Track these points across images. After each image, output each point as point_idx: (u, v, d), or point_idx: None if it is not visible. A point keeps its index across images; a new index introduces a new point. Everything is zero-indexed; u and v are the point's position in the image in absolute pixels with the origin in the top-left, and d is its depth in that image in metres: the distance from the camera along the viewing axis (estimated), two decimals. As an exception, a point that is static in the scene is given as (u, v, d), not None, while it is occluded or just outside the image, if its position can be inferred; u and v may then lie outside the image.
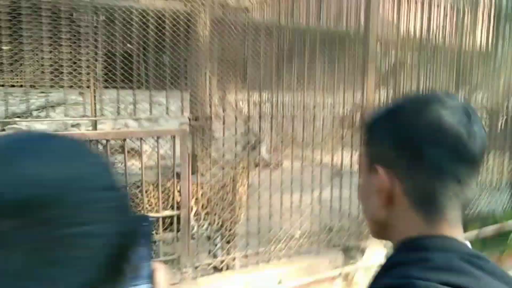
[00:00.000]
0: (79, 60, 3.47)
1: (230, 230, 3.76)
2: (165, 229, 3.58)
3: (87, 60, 3.46)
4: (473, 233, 4.57)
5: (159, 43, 3.62)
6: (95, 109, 3.70)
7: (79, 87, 3.62)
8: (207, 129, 3.60)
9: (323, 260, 4.04)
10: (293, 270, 3.86)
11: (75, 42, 3.38)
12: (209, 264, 3.65)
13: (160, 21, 3.63)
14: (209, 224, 3.77)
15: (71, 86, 3.56)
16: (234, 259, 3.74)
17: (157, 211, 3.49)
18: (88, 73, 3.52)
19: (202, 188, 3.76)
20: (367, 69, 3.99)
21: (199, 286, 3.54)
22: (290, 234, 3.93)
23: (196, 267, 3.56)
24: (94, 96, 3.65)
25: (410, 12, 4.34)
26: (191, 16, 3.53)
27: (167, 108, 3.61)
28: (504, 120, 5.40)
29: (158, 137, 3.43)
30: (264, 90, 3.84)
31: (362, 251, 4.10)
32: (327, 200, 4.07)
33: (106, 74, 3.66)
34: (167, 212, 3.56)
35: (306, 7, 3.82)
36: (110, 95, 3.82)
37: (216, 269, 3.71)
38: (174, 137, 3.45)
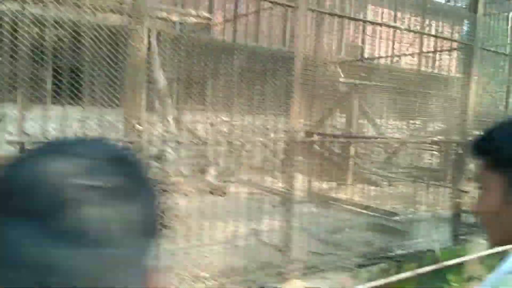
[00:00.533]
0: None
1: None
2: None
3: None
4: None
5: (95, 58, 3.43)
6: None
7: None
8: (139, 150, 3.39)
9: None
10: None
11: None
12: None
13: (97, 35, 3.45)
14: None
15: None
16: None
17: None
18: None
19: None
20: (292, 91, 3.79)
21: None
22: (195, 275, 3.61)
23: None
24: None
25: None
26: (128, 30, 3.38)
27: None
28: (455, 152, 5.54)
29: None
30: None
31: None
32: (263, 231, 3.93)
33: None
34: None
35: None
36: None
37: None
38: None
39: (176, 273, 3.34)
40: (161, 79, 4.82)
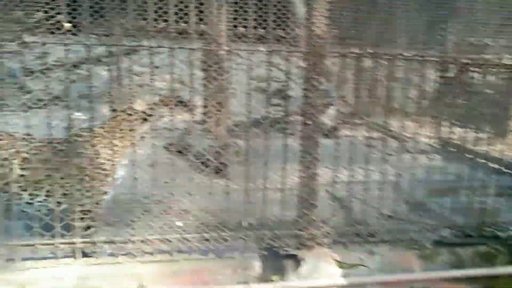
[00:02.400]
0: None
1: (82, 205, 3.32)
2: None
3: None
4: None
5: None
6: None
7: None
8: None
9: (222, 267, 3.43)
10: (167, 273, 3.27)
11: None
12: (31, 246, 3.21)
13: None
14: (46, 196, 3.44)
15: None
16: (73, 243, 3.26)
17: None
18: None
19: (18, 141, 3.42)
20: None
21: (9, 274, 3.14)
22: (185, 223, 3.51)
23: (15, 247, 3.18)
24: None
25: None
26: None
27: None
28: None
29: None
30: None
31: (298, 263, 3.54)
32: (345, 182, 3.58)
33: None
34: None
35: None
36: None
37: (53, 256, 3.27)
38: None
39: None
40: None
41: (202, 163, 3.65)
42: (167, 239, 3.44)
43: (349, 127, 3.89)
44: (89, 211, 3.42)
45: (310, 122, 3.38)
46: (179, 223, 3.49)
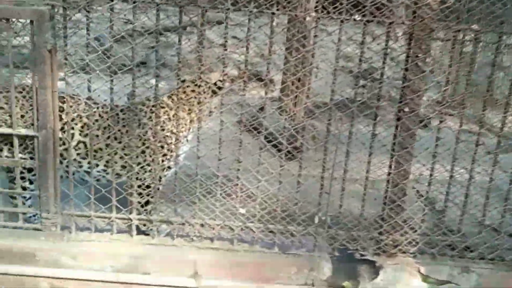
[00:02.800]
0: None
1: (140, 179, 3.11)
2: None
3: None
4: None
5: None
6: None
7: None
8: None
9: (286, 264, 3.05)
10: (225, 263, 3.00)
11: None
12: (88, 218, 3.05)
13: None
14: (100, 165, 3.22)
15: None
16: (130, 219, 3.05)
17: (9, 126, 2.93)
18: None
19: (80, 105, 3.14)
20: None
21: (63, 244, 2.99)
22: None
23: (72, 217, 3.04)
24: None
25: None
26: None
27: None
28: None
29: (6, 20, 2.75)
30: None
31: (375, 270, 3.00)
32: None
33: None
34: (24, 131, 2.91)
35: None
36: None
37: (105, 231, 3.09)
38: (32, 22, 2.70)
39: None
40: None
41: (274, 145, 3.21)
42: (229, 226, 3.09)
43: (445, 117, 3.23)
44: (148, 186, 3.15)
45: (407, 110, 2.81)
46: (242, 211, 3.11)
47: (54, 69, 2.82)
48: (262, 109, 3.79)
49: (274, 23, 2.73)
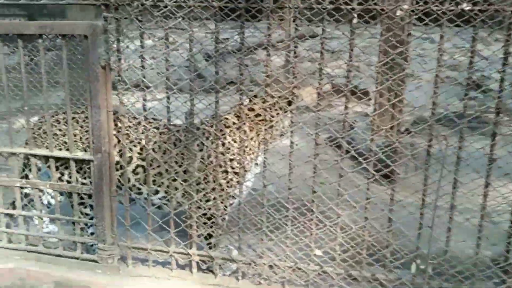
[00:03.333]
0: None
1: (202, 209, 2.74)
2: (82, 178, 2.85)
3: None
4: None
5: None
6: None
7: None
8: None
9: None
10: None
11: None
12: (144, 250, 2.76)
13: None
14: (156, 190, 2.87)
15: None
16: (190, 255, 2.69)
17: (67, 149, 2.77)
18: None
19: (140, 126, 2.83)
20: None
21: (119, 278, 2.73)
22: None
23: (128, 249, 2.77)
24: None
25: None
26: None
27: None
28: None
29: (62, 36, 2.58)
30: None
31: None
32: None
33: None
34: (81, 154, 2.73)
35: None
36: None
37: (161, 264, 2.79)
38: (86, 37, 2.50)
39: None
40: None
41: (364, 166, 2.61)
42: (302, 270, 2.56)
43: None
44: (210, 217, 2.76)
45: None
46: (319, 252, 2.56)
47: (108, 87, 2.58)
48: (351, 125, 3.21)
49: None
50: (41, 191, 3.12)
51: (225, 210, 2.85)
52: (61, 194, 3.04)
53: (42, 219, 2.97)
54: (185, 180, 2.69)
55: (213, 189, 2.72)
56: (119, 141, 2.75)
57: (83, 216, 2.92)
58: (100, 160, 2.64)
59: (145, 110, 2.64)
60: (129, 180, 2.84)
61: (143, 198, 2.93)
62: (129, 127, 2.82)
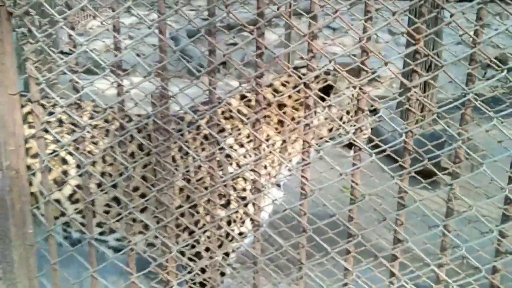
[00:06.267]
0: None
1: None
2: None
3: None
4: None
5: None
6: None
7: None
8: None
9: None
10: None
11: None
12: None
13: None
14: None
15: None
16: None
17: None
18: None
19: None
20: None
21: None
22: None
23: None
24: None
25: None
26: None
27: None
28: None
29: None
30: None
31: None
32: None
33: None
34: None
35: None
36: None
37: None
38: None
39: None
40: None
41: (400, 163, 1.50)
42: None
43: None
44: (203, 270, 1.63)
45: None
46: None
47: (7, 46, 1.39)
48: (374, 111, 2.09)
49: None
50: None
51: (228, 256, 1.70)
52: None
53: None
54: (155, 208, 1.53)
55: (203, 225, 1.58)
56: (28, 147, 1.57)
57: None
58: (0, 182, 1.46)
59: (76, 90, 1.43)
60: (63, 213, 1.68)
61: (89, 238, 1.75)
62: (52, 121, 1.65)
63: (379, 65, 1.37)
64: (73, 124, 1.71)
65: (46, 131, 1.49)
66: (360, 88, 1.31)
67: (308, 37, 1.29)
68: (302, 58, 1.89)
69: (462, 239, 1.40)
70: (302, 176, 1.37)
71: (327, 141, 1.84)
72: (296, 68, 1.87)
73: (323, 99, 1.67)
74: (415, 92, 1.31)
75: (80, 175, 1.53)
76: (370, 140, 1.72)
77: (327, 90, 1.74)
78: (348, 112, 1.83)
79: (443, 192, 1.48)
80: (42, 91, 1.42)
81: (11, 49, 1.38)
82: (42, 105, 1.57)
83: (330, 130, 1.83)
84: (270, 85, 1.77)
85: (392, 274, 1.45)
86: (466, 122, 1.39)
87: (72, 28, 1.35)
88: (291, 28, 1.62)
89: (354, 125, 1.40)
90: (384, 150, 1.37)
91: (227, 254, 1.69)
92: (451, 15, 1.19)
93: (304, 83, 1.34)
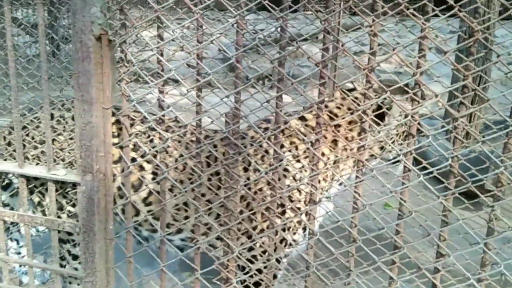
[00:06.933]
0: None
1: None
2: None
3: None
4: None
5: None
6: None
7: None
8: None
9: None
10: None
11: None
12: None
13: None
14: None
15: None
16: None
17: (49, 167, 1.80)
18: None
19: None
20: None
21: None
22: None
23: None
24: None
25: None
26: None
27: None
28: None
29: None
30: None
31: None
32: None
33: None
34: (62, 173, 1.80)
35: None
36: None
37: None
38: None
39: None
40: None
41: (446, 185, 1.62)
42: None
43: None
44: (259, 270, 1.81)
45: None
46: None
47: (105, 70, 1.64)
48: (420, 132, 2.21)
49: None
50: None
51: (279, 262, 1.88)
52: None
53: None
54: (218, 215, 1.74)
55: (261, 231, 1.77)
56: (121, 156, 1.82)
57: (71, 260, 2.01)
58: (90, 183, 1.70)
59: (162, 108, 1.67)
60: (137, 213, 1.91)
61: (158, 238, 1.98)
62: (139, 133, 1.89)
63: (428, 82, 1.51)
64: (148, 135, 1.95)
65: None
66: (412, 116, 1.46)
67: (367, 70, 1.46)
68: (353, 84, 2.07)
69: (501, 257, 1.53)
70: (355, 192, 1.54)
71: (375, 158, 2.00)
72: (349, 90, 2.04)
73: (377, 123, 1.83)
74: (461, 121, 1.45)
75: (157, 182, 1.76)
76: (415, 160, 1.86)
77: (381, 114, 1.90)
78: (397, 134, 1.99)
79: (485, 213, 1.61)
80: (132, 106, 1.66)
81: (109, 70, 1.63)
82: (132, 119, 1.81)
83: (381, 148, 1.98)
84: (326, 106, 1.95)
85: (434, 286, 1.59)
86: (508, 150, 1.51)
87: (162, 55, 1.59)
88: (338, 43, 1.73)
89: (402, 145, 1.55)
90: (431, 172, 1.52)
91: (279, 258, 1.87)
92: (498, 56, 1.33)
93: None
